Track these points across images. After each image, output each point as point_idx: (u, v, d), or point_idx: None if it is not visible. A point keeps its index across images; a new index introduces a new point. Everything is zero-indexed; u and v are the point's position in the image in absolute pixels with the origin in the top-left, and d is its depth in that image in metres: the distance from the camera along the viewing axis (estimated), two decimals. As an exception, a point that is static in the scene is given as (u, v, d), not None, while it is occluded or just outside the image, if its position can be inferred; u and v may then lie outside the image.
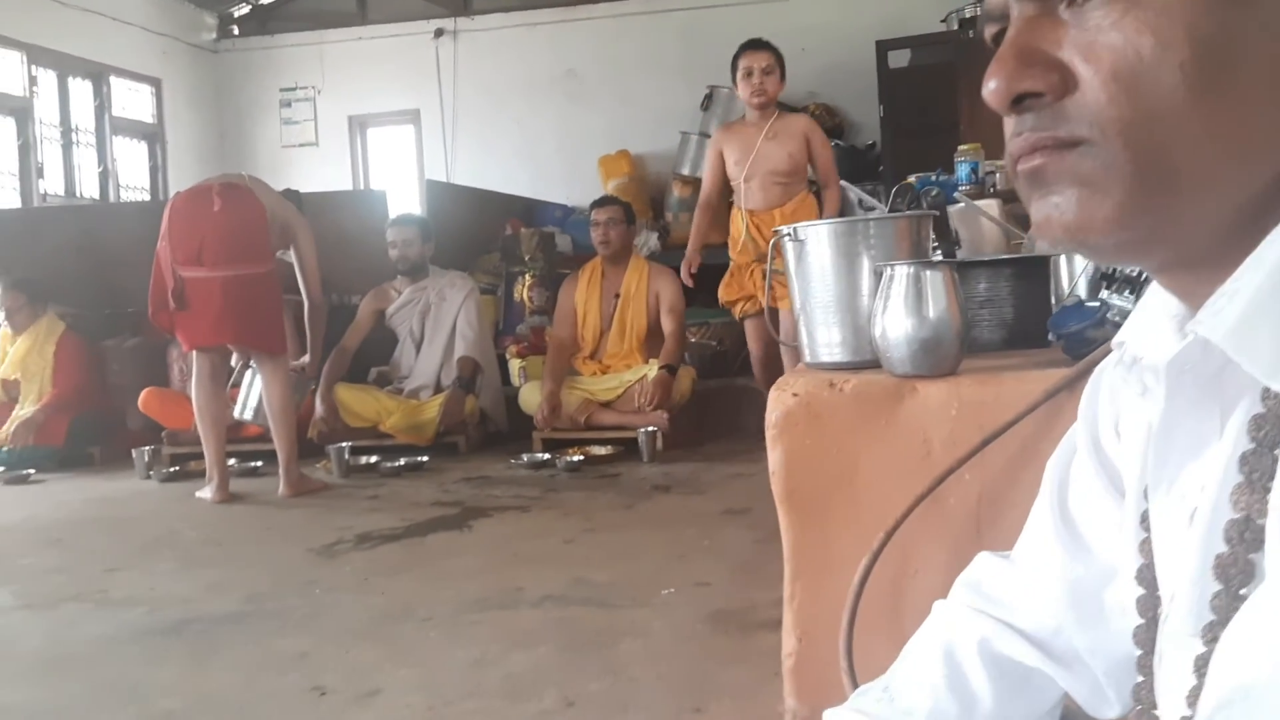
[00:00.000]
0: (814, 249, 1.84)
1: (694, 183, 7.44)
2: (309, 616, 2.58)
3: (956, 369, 1.70)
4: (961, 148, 5.06)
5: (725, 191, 4.42)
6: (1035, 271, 1.99)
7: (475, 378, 5.08)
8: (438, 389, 5.10)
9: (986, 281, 1.94)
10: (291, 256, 4.35)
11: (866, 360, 1.78)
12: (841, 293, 1.82)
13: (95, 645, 2.43)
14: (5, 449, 5.01)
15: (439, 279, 5.28)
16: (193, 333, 4.05)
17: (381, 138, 9.38)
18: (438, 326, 5.20)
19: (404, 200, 7.75)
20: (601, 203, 5.12)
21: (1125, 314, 1.80)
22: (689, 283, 4.43)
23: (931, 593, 1.66)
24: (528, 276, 6.45)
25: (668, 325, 4.89)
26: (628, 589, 2.67)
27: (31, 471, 4.82)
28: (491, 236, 6.96)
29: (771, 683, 1.93)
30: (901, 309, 1.64)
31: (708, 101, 7.88)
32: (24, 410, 5.14)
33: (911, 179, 5.51)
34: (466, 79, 8.88)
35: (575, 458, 4.47)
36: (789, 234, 1.88)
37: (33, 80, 7.48)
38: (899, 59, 6.95)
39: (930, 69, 6.79)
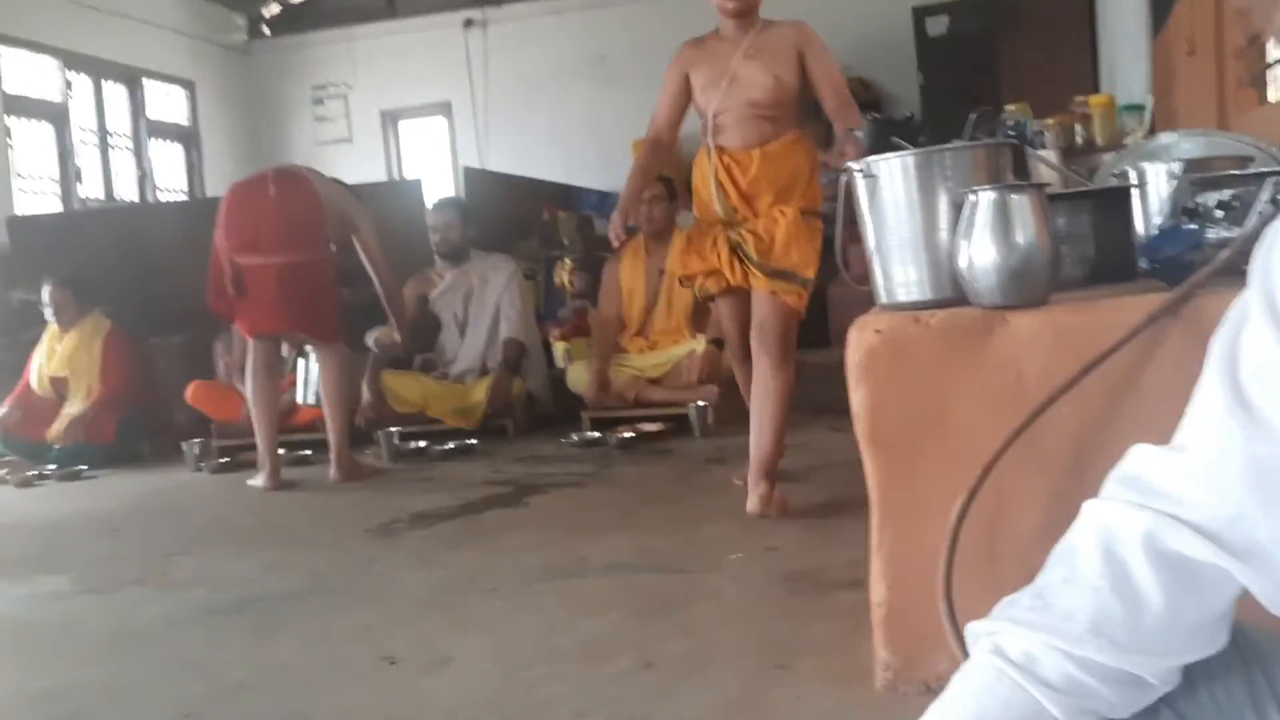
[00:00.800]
0: (888, 184, 1.76)
1: (730, 162, 7.37)
2: (371, 591, 2.54)
3: (1048, 298, 1.62)
4: (1009, 108, 4.96)
5: (678, 125, 3.32)
6: (1117, 204, 1.90)
7: (521, 359, 5.03)
8: (483, 372, 5.06)
9: (1067, 216, 1.85)
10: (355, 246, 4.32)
11: (948, 298, 1.70)
12: (919, 228, 1.73)
13: (158, 625, 2.40)
14: (57, 447, 5.02)
15: (481, 262, 5.24)
16: (252, 319, 4.05)
17: (414, 130, 9.37)
18: (481, 309, 5.15)
19: (440, 191, 7.72)
20: (646, 179, 5.04)
21: (1223, 239, 1.72)
22: (616, 244, 3.29)
23: (1031, 534, 1.59)
24: (568, 261, 6.39)
25: (714, 300, 4.81)
26: (694, 555, 2.61)
27: (84, 468, 4.83)
28: (529, 222, 6.91)
29: (857, 637, 1.87)
30: (988, 236, 1.56)
31: (740, 81, 7.79)
32: (73, 408, 5.15)
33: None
34: (497, 68, 8.84)
35: (627, 435, 4.41)
36: (861, 170, 1.80)
37: (68, 85, 7.53)
38: (937, 26, 6.83)
39: (969, 35, 6.67)
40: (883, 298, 1.80)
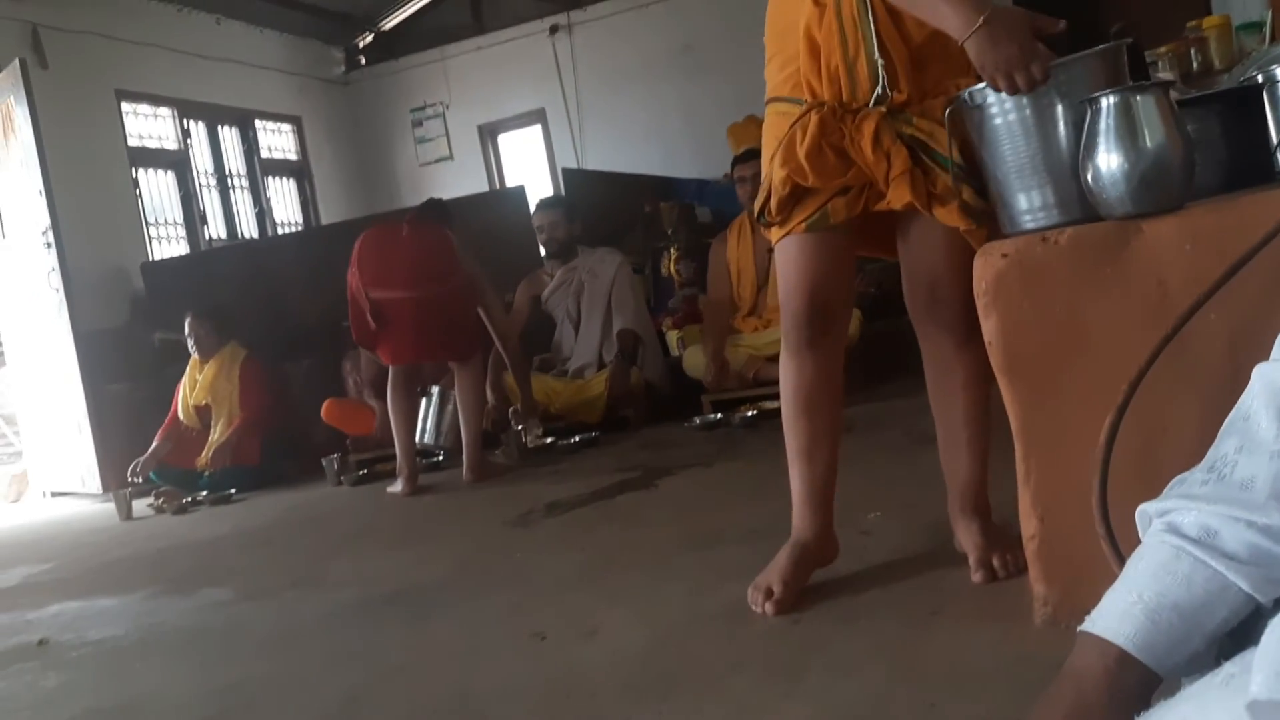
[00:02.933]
0: (997, 110, 1.70)
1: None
2: (515, 575, 2.58)
3: (1183, 203, 1.55)
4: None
5: None
6: (1249, 105, 1.80)
7: (637, 349, 5.06)
8: (601, 365, 5.10)
9: (1196, 122, 1.76)
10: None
11: (1076, 219, 1.64)
12: (1037, 150, 1.67)
13: (318, 621, 2.49)
14: (207, 474, 5.26)
15: (588, 257, 5.29)
16: (393, 349, 4.24)
17: (512, 142, 9.52)
18: (593, 304, 5.20)
19: (542, 194, 7.83)
20: (745, 157, 5.02)
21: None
22: None
23: (1186, 449, 1.51)
24: (673, 250, 6.40)
25: (827, 271, 4.75)
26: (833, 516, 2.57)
27: (233, 491, 5.05)
28: (631, 217, 6.95)
29: (1009, 580, 1.82)
30: (1114, 143, 1.50)
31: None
32: (217, 435, 5.39)
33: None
34: (586, 70, 8.93)
35: (749, 413, 4.39)
36: (965, 98, 1.73)
37: (186, 133, 7.89)
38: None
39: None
40: (1007, 228, 1.75)
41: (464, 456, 4.24)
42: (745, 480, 3.27)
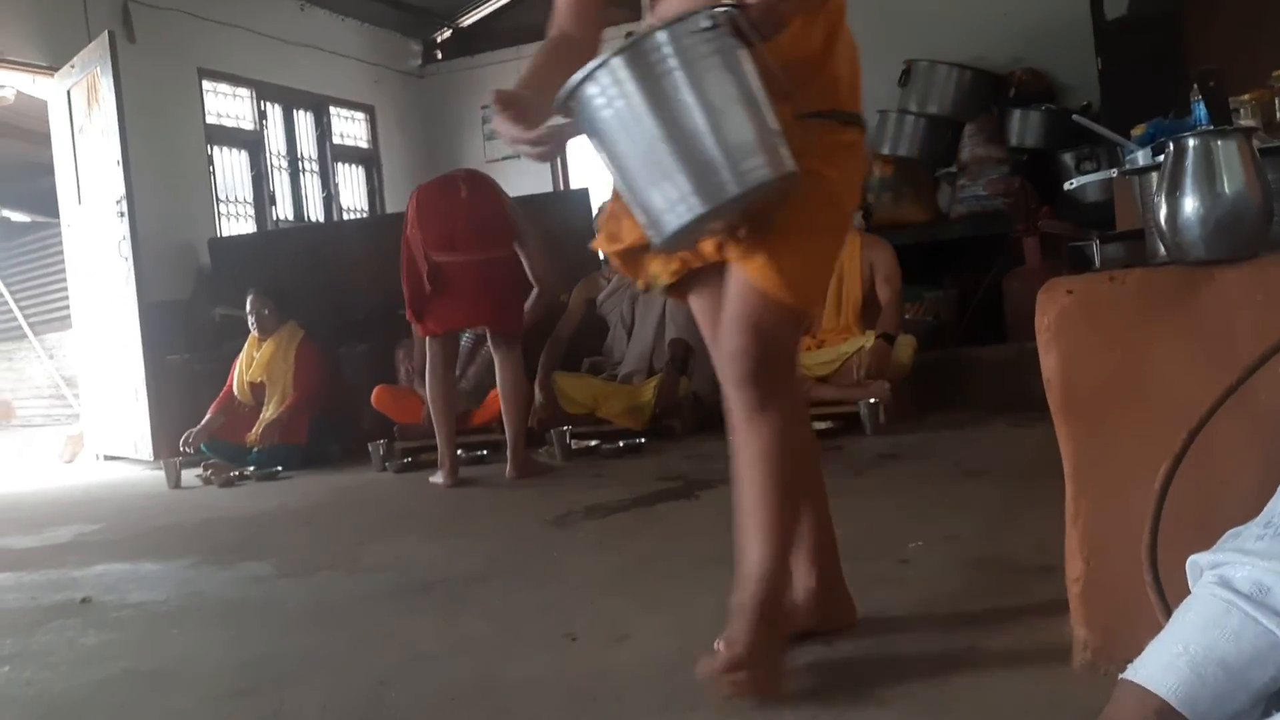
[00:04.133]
0: (603, 101, 1.49)
1: (896, 161, 7.22)
2: (551, 574, 2.59)
3: (1258, 251, 1.51)
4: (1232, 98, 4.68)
5: None
6: (1334, 156, 1.76)
7: (687, 359, 5.05)
8: (651, 373, 5.11)
9: (1277, 172, 1.72)
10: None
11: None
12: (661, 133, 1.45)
13: (353, 604, 2.51)
14: (256, 449, 5.34)
15: (647, 265, 5.29)
16: (447, 315, 4.18)
17: (579, 143, 9.54)
18: (647, 311, 5.21)
19: (606, 196, 7.87)
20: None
21: None
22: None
23: (1243, 503, 1.48)
24: (732, 264, 6.39)
25: (884, 295, 4.72)
26: (871, 543, 2.55)
27: (280, 468, 5.12)
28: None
29: (1049, 617, 1.79)
30: (1192, 186, 1.47)
31: (905, 77, 7.64)
32: (269, 412, 5.47)
33: (1141, 127, 5.16)
34: (658, 79, 8.95)
35: (796, 433, 4.35)
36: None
37: (262, 115, 8.03)
38: (1116, 8, 6.50)
39: (1152, 15, 6.32)
40: (655, 240, 1.53)
41: (508, 452, 4.25)
42: (787, 499, 3.24)
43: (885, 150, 7.38)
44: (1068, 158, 6.78)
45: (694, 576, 2.38)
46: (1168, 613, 1.34)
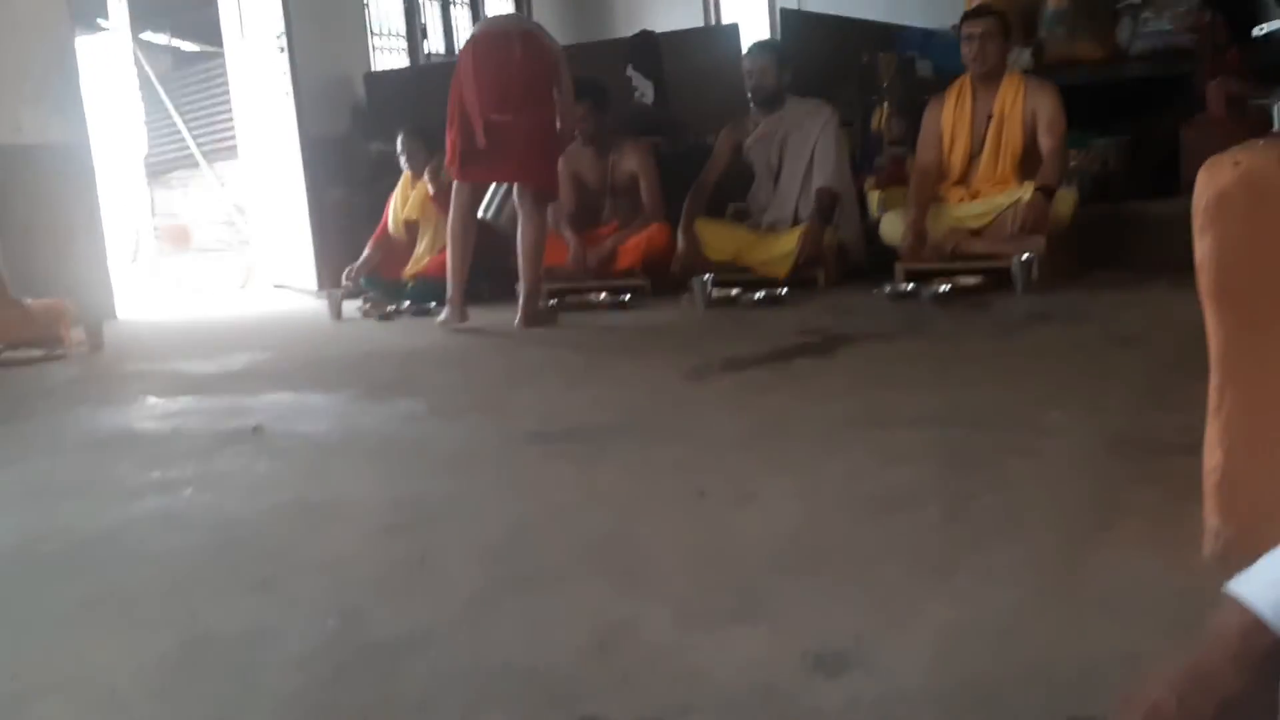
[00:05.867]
0: None
1: (1074, -9, 6.67)
2: (684, 429, 2.66)
3: None
4: None
5: None
6: None
7: (834, 208, 4.95)
8: (795, 221, 5.03)
9: None
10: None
11: None
12: None
13: (497, 448, 2.65)
14: (410, 285, 5.56)
15: (797, 108, 5.14)
16: (491, 171, 4.41)
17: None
18: (795, 157, 5.09)
19: (757, 34, 7.59)
20: (976, 13, 4.71)
21: None
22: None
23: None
24: (885, 106, 6.13)
25: (1046, 144, 4.48)
26: (1011, 412, 2.52)
27: (433, 304, 5.32)
28: (848, 67, 6.65)
29: (1186, 504, 1.75)
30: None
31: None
32: (421, 249, 5.67)
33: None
34: (819, -99, 8.45)
35: (943, 287, 4.26)
36: None
37: (414, -55, 8.00)
38: None
39: None
40: None
41: (520, 300, 4.43)
42: (925, 361, 3.22)
43: (1062, -21, 6.82)
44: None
45: (825, 440, 2.41)
46: (1308, 516, 1.30)
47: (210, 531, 2.14)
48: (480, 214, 4.75)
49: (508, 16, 4.57)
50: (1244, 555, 1.55)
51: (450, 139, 4.45)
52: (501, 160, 4.35)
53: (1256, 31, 2.34)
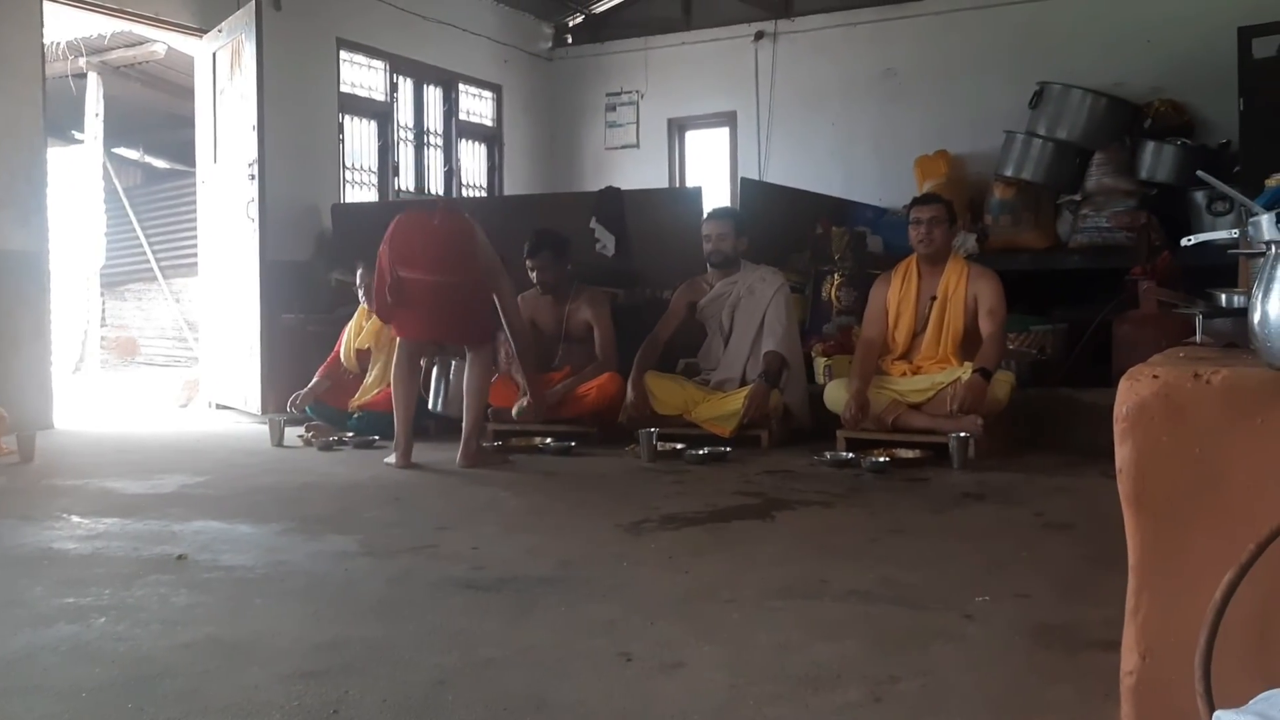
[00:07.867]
0: None
1: (1018, 184, 7.05)
2: (617, 586, 2.65)
3: (1356, 367, 1.47)
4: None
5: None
6: None
7: (781, 372, 5.05)
8: (743, 382, 5.13)
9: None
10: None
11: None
12: None
13: (426, 593, 2.62)
14: (355, 416, 5.54)
15: (750, 273, 5.31)
16: (408, 326, 4.68)
17: (698, 140, 9.58)
18: (746, 320, 5.22)
19: (718, 198, 7.87)
20: (924, 200, 4.95)
21: None
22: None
23: (1311, 621, 1.45)
24: (836, 276, 6.35)
25: (986, 328, 4.64)
26: (938, 592, 2.54)
27: (376, 438, 5.30)
28: (802, 235, 6.91)
29: (1103, 705, 1.78)
30: (1284, 292, 1.44)
31: (1036, 100, 7.45)
32: (370, 380, 5.68)
33: (1274, 178, 4.93)
34: (784, 80, 8.90)
35: (881, 459, 4.34)
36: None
37: (394, 87, 8.26)
38: (1265, 48, 6.22)
39: (1303, 57, 6.04)
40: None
41: (461, 441, 4.60)
42: (861, 532, 3.25)
43: (1009, 172, 7.21)
44: (1199, 197, 6.53)
45: (756, 609, 2.41)
46: (1214, 727, 1.32)
47: (118, 666, 2.07)
48: (430, 408, 5.03)
49: (436, 196, 5.16)
50: (1157, 761, 1.58)
51: (376, 290, 4.78)
52: (414, 316, 4.63)
53: (1185, 242, 2.48)
